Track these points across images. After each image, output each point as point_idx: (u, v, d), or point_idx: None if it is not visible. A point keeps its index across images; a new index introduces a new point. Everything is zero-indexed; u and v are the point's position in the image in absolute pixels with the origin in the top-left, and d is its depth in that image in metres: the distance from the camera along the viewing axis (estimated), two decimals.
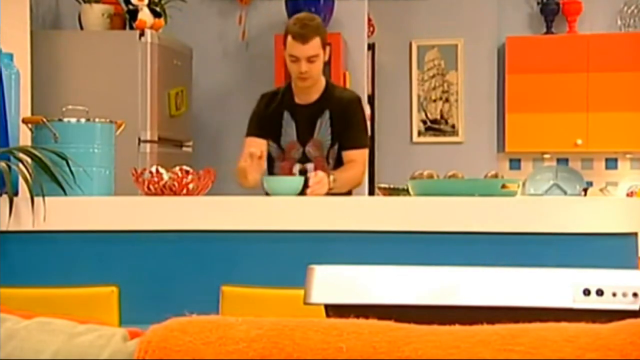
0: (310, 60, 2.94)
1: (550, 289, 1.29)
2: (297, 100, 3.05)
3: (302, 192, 2.55)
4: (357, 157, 3.00)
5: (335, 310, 1.26)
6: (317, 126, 3.00)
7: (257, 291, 1.74)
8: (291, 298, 1.64)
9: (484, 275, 1.34)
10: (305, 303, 1.32)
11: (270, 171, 3.02)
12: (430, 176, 2.27)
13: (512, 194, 2.23)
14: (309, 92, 3.04)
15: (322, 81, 3.06)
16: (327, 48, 3.03)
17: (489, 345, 0.79)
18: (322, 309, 1.29)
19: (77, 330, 0.86)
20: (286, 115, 3.02)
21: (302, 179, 2.71)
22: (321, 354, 0.77)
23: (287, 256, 2.10)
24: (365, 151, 3.07)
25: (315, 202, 2.33)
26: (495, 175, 2.32)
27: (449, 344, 0.80)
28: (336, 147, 3.02)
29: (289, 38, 2.97)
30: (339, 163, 3.01)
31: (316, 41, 2.95)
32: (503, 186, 2.20)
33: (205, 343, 0.81)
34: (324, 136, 2.98)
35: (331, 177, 2.76)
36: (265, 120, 3.03)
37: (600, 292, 1.26)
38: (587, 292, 1.27)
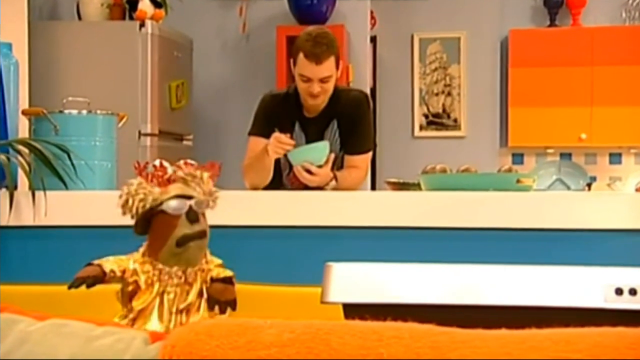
0: (323, 81, 2.75)
1: (580, 288, 1.24)
2: (305, 113, 2.90)
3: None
4: (359, 163, 2.89)
5: (354, 310, 1.21)
6: (326, 138, 2.86)
7: (269, 289, 1.69)
8: (306, 296, 1.59)
9: (509, 273, 1.29)
10: (323, 302, 1.28)
11: (278, 183, 2.92)
12: (443, 170, 2.22)
13: (528, 188, 2.17)
14: (317, 105, 2.89)
15: None
16: (340, 65, 2.83)
17: (542, 352, 0.73)
18: (340, 308, 1.24)
19: (95, 334, 0.81)
20: (297, 127, 2.88)
21: (327, 144, 2.69)
22: None
23: (299, 253, 2.05)
24: (368, 155, 2.95)
25: (327, 197, 2.28)
26: (509, 170, 2.27)
27: (497, 350, 0.75)
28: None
29: (301, 56, 2.75)
30: None
31: (330, 61, 2.74)
32: (518, 181, 2.15)
33: (234, 347, 0.76)
34: (333, 145, 2.88)
35: (332, 183, 2.71)
36: (276, 124, 2.83)
37: (633, 292, 1.21)
38: (619, 292, 1.22)
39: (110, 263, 1.30)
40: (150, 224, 1.30)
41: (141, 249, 1.32)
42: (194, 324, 0.79)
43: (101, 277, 1.28)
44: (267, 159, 2.74)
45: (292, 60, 2.87)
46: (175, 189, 1.29)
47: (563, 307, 1.22)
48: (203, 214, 1.30)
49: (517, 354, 0.73)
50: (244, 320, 0.91)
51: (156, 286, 1.27)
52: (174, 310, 1.27)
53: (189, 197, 1.28)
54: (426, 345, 0.75)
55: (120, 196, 1.27)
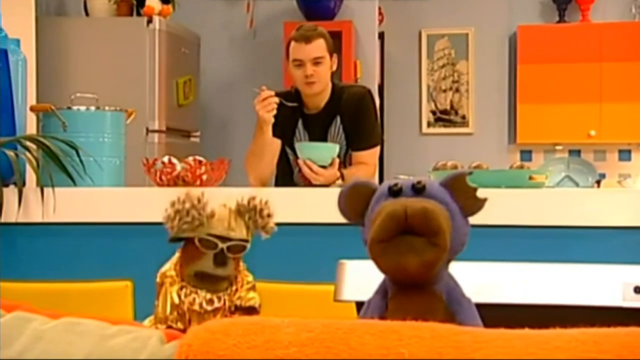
0: (315, 62, 2.79)
1: (598, 286, 1.22)
2: (306, 110, 2.91)
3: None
4: (366, 159, 2.90)
5: None
6: (330, 136, 2.88)
7: (282, 287, 1.67)
8: (319, 294, 1.58)
9: (527, 271, 1.28)
10: (336, 300, 1.26)
11: (289, 181, 2.92)
12: (455, 167, 2.20)
13: (540, 185, 2.15)
14: (317, 100, 2.88)
15: (329, 86, 2.91)
16: (334, 57, 2.88)
17: (568, 352, 0.71)
18: (354, 306, 1.23)
19: (110, 332, 0.79)
20: (300, 124, 2.90)
21: (336, 146, 2.74)
22: None
23: (312, 250, 2.03)
24: (376, 150, 2.95)
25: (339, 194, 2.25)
26: (521, 167, 2.25)
27: (522, 350, 0.73)
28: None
29: (292, 43, 2.84)
30: None
31: (320, 42, 2.81)
32: (530, 177, 2.13)
33: (251, 347, 0.75)
34: (338, 143, 2.87)
35: (338, 182, 2.71)
36: (280, 121, 2.84)
37: None
38: (638, 290, 1.20)
39: (170, 317, 1.24)
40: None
41: (174, 259, 1.27)
42: (210, 323, 0.77)
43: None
44: (265, 134, 2.76)
45: (287, 62, 2.90)
46: (219, 223, 1.22)
47: (581, 306, 1.20)
48: (236, 259, 1.24)
49: (543, 354, 0.71)
50: (261, 319, 0.90)
51: (186, 305, 1.24)
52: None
53: (227, 239, 1.22)
54: (448, 345, 0.73)
55: (173, 204, 1.21)
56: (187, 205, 1.18)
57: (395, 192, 0.94)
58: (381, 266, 0.96)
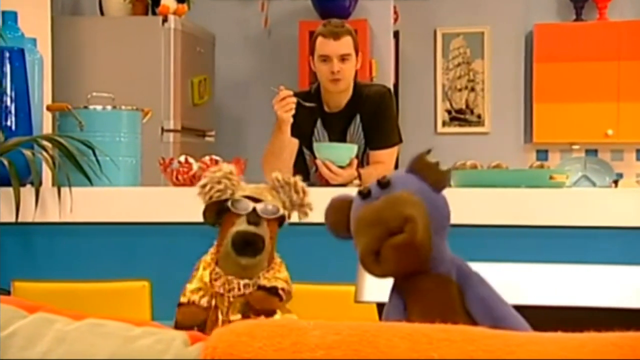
0: (342, 58, 2.79)
1: (627, 288, 1.20)
2: (326, 108, 2.89)
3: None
4: (384, 158, 2.89)
5: None
6: (349, 135, 2.87)
7: (300, 287, 1.66)
8: (339, 294, 1.56)
9: (553, 272, 1.26)
10: (357, 301, 1.24)
11: (305, 179, 2.91)
12: (474, 166, 2.18)
13: (560, 185, 2.13)
14: (339, 98, 2.87)
15: (351, 84, 2.90)
16: (359, 56, 2.88)
17: (604, 357, 0.69)
18: (374, 307, 1.21)
19: (133, 334, 0.78)
20: (319, 123, 2.89)
21: (354, 147, 2.73)
22: None
23: (332, 250, 2.01)
24: (394, 150, 2.94)
25: None
26: (541, 166, 2.23)
27: (555, 354, 0.71)
28: None
29: (319, 38, 2.83)
30: None
31: (348, 39, 2.81)
32: (550, 177, 2.11)
33: (278, 350, 0.73)
34: (357, 142, 2.86)
35: (355, 182, 2.70)
36: (298, 121, 2.82)
37: None
38: None
39: (194, 292, 1.23)
40: (221, 218, 1.25)
41: (212, 249, 1.27)
42: (235, 325, 0.76)
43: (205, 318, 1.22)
44: (284, 134, 2.75)
45: (310, 57, 2.89)
46: (252, 189, 1.24)
47: (610, 308, 1.18)
48: (271, 222, 1.23)
49: (578, 358, 0.69)
50: (287, 321, 0.88)
51: (213, 298, 1.23)
52: (226, 319, 1.23)
53: (258, 201, 1.22)
54: (480, 348, 0.72)
55: (205, 176, 1.23)
56: (219, 174, 1.21)
57: (364, 195, 0.95)
58: (379, 275, 0.98)
